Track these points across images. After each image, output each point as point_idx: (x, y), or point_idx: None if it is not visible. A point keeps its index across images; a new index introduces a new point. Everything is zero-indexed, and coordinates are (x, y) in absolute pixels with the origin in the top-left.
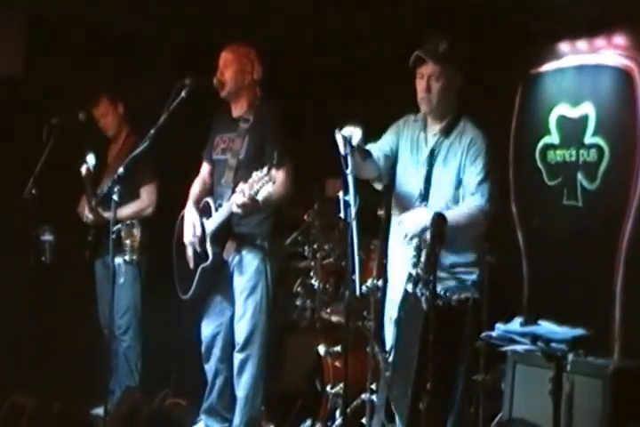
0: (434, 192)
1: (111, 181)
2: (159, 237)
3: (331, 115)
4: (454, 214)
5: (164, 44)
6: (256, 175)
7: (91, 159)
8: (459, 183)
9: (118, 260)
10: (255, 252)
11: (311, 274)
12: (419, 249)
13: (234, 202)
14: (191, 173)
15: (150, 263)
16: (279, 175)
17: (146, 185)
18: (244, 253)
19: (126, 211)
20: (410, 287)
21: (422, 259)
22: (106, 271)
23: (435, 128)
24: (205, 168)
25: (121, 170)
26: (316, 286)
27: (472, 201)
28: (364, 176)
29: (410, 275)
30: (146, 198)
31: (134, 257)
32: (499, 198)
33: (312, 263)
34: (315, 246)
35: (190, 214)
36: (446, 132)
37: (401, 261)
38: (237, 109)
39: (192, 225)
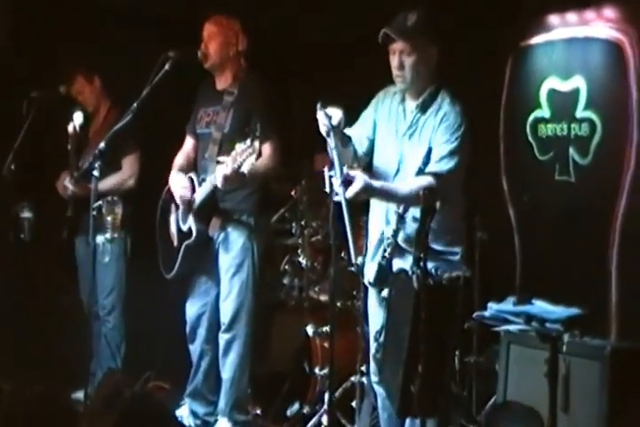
0: (405, 168)
1: (92, 156)
2: (142, 213)
3: (319, 89)
4: (398, 187)
5: (147, 16)
6: (239, 147)
7: (78, 117)
8: (427, 160)
9: (100, 238)
10: (241, 229)
11: (299, 252)
12: (397, 227)
13: (217, 175)
14: (175, 148)
15: (133, 241)
16: (265, 148)
17: (127, 155)
18: (229, 229)
19: (107, 183)
20: (383, 262)
21: (400, 235)
22: (88, 250)
23: (412, 104)
24: (189, 142)
25: (102, 145)
26: (303, 265)
27: (423, 178)
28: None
29: (384, 250)
30: (127, 169)
31: (116, 235)
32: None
33: (299, 241)
34: (302, 223)
35: (178, 177)
36: (423, 109)
37: (378, 236)
38: (222, 82)
39: (183, 184)
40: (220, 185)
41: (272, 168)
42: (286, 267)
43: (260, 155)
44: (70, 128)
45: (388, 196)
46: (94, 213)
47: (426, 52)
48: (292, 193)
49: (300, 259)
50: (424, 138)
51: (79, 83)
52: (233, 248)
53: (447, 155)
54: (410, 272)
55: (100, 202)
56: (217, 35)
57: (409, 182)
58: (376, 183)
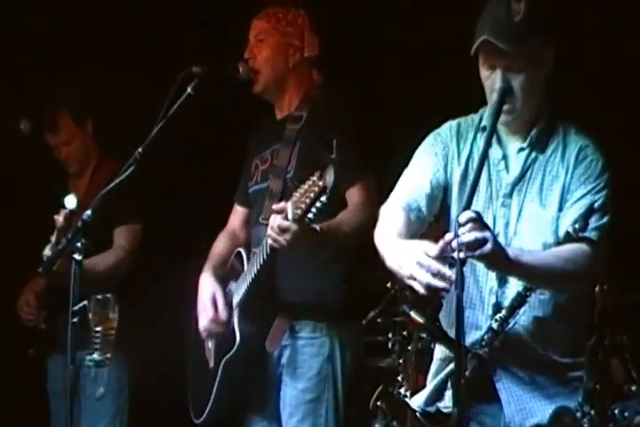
0: (526, 237)
1: (73, 231)
2: (152, 321)
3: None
4: (545, 259)
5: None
6: (306, 184)
7: (71, 202)
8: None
9: (87, 358)
10: (317, 342)
11: (399, 379)
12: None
13: (271, 227)
14: (208, 223)
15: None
16: (353, 193)
17: (123, 225)
18: (300, 342)
19: (95, 264)
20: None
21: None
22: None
23: (518, 140)
24: (238, 215)
25: (88, 213)
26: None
27: (576, 242)
28: None
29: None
30: (123, 243)
31: (109, 355)
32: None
33: (400, 361)
34: (404, 333)
35: (206, 285)
36: (541, 145)
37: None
38: (284, 107)
39: (210, 300)
40: (273, 244)
41: (366, 221)
42: (379, 403)
43: (343, 203)
44: (61, 218)
45: (527, 271)
46: (75, 320)
47: (541, 60)
48: (388, 285)
49: (402, 390)
50: (550, 189)
51: (67, 128)
52: (304, 374)
53: (597, 211)
54: (578, 413)
55: (84, 302)
56: (269, 34)
57: (556, 253)
58: (513, 251)
